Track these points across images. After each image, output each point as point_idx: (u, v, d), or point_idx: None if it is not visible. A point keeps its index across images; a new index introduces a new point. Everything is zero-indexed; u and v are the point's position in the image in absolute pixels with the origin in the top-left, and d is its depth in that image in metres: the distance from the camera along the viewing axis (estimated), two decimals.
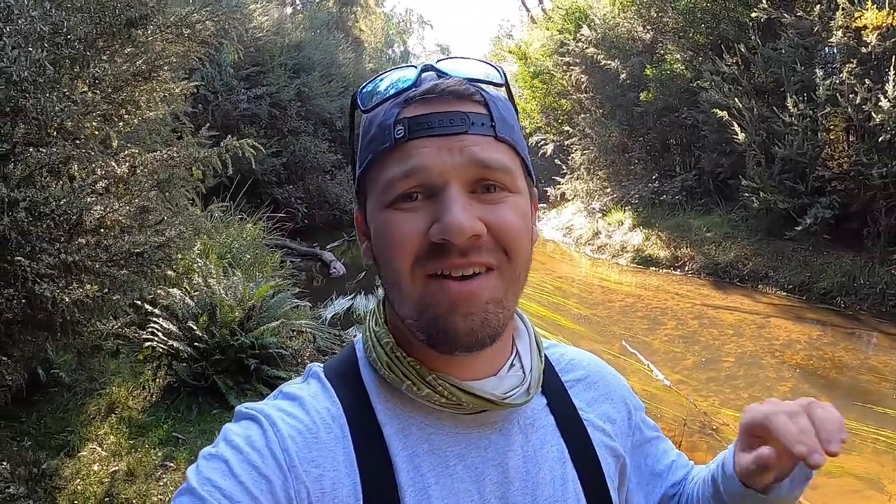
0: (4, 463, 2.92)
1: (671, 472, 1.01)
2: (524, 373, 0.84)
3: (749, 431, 0.82)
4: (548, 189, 18.28)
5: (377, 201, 0.76)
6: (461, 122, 0.74)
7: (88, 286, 3.24)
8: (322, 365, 0.86)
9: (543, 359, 0.89)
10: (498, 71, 0.83)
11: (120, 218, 3.62)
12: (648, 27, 13.56)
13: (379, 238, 0.77)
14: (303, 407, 0.77)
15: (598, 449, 0.89)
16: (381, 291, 0.82)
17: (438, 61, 0.80)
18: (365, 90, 0.81)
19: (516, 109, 0.84)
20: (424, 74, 0.78)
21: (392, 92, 0.77)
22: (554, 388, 0.90)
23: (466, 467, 0.78)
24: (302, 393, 0.80)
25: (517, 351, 0.86)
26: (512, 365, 0.84)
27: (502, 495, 0.79)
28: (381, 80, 0.80)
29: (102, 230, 3.47)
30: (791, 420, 0.75)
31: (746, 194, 10.56)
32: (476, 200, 0.74)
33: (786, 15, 10.05)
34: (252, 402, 0.79)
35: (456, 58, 0.82)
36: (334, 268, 12.19)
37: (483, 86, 0.79)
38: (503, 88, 0.83)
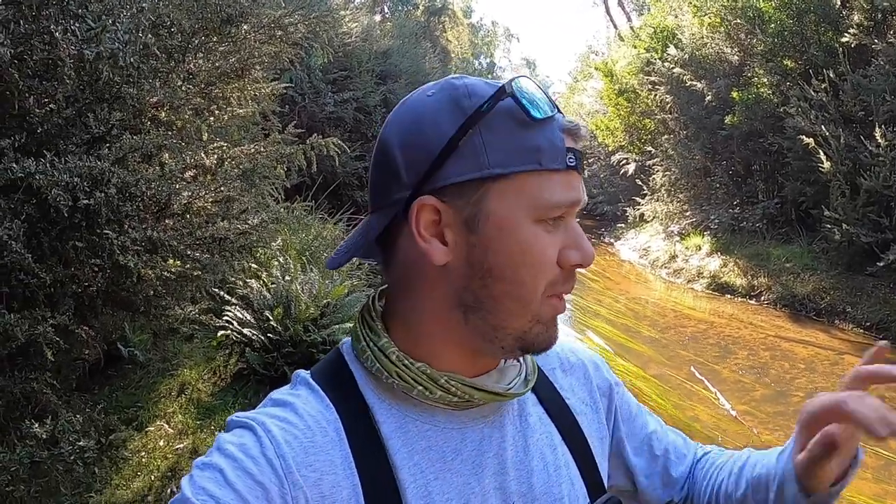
0: (77, 416, 3.06)
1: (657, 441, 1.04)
2: (520, 363, 0.88)
3: (818, 419, 0.79)
4: (627, 209, 18.06)
5: (522, 212, 0.75)
6: (582, 163, 0.79)
7: (171, 260, 3.39)
8: (308, 371, 0.85)
9: None
10: None
11: (206, 205, 3.77)
12: (736, 49, 13.28)
13: (515, 253, 0.76)
14: (295, 412, 0.77)
15: (585, 430, 0.93)
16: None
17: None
18: (527, 95, 0.76)
19: None
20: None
21: (548, 111, 0.76)
22: (539, 377, 0.93)
23: (464, 461, 0.80)
24: (292, 399, 0.79)
25: None
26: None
27: (500, 485, 0.81)
28: (535, 92, 0.77)
29: (189, 215, 3.62)
30: (862, 402, 0.72)
31: (828, 226, 10.12)
32: None
33: (876, 41, 9.69)
34: (243, 412, 0.79)
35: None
36: None
37: None
38: None
